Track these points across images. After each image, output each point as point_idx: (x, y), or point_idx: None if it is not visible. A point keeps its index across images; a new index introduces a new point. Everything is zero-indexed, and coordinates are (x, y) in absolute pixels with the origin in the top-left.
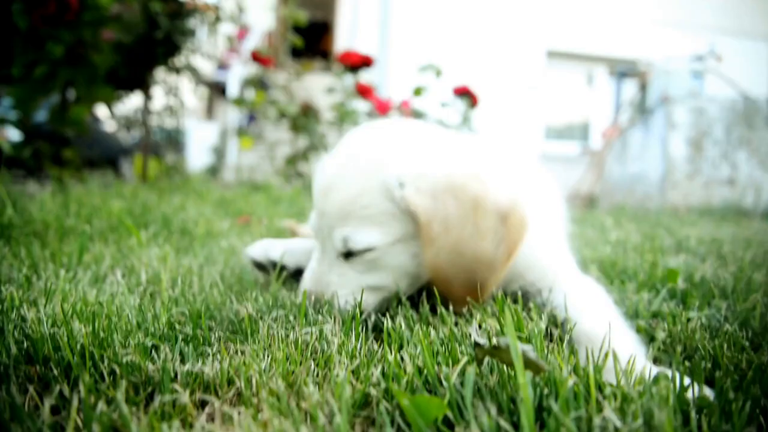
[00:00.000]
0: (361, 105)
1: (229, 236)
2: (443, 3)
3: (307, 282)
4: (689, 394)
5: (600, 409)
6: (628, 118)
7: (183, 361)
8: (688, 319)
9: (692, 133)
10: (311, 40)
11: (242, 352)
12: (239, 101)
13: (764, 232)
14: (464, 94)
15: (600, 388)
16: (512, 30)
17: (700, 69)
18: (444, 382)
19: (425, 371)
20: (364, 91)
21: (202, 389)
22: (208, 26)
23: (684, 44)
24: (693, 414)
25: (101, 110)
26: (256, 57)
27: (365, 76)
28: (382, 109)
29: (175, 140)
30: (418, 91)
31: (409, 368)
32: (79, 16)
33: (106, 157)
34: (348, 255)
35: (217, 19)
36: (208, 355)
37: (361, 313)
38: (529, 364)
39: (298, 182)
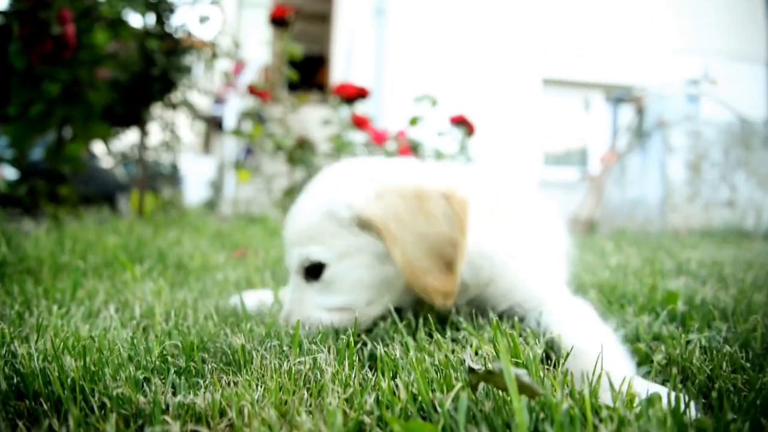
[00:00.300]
0: (357, 136)
1: (225, 269)
2: (438, 33)
3: (283, 311)
4: (687, 417)
5: (596, 429)
6: (626, 142)
7: (175, 394)
8: (688, 342)
9: (690, 156)
10: (307, 74)
11: (235, 383)
12: (237, 132)
13: (766, 253)
14: (461, 123)
15: (596, 411)
16: (508, 59)
17: (695, 93)
18: (438, 409)
19: (420, 398)
20: (360, 123)
21: (194, 421)
22: (204, 62)
23: (678, 68)
24: None
25: (98, 147)
26: (253, 91)
27: (361, 108)
28: (378, 139)
29: (171, 175)
30: (414, 121)
31: (403, 395)
32: (75, 55)
33: (103, 193)
34: (309, 276)
35: (214, 55)
36: (201, 386)
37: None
38: (523, 388)
39: None
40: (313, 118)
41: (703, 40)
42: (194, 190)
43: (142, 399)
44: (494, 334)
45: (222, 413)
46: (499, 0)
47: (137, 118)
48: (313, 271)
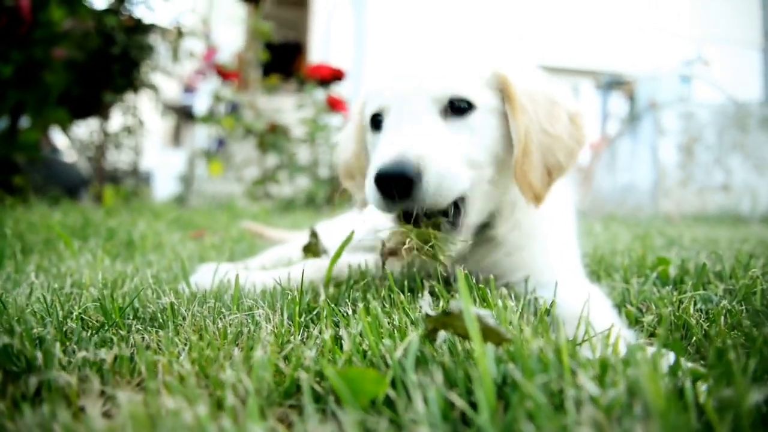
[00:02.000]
0: (333, 119)
1: (177, 248)
2: (419, 14)
3: (386, 156)
4: (681, 366)
5: (573, 376)
6: (617, 129)
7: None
8: (680, 301)
9: (683, 138)
10: (284, 61)
11: (157, 342)
12: (207, 118)
13: (763, 235)
14: None
15: (573, 357)
16: (495, 44)
17: (688, 74)
18: (389, 361)
19: (369, 353)
20: (335, 105)
21: (100, 377)
22: (170, 44)
23: (672, 52)
24: (687, 384)
25: (59, 139)
26: (221, 71)
27: (338, 90)
28: None
29: (134, 165)
30: None
31: (348, 346)
32: (30, 33)
33: (65, 188)
34: (452, 112)
35: (180, 34)
36: (113, 344)
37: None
38: (488, 333)
39: (267, 203)
40: (288, 107)
41: (697, 26)
42: (163, 186)
43: (39, 354)
44: (460, 283)
45: (137, 373)
46: None
47: (97, 103)
48: (458, 109)
